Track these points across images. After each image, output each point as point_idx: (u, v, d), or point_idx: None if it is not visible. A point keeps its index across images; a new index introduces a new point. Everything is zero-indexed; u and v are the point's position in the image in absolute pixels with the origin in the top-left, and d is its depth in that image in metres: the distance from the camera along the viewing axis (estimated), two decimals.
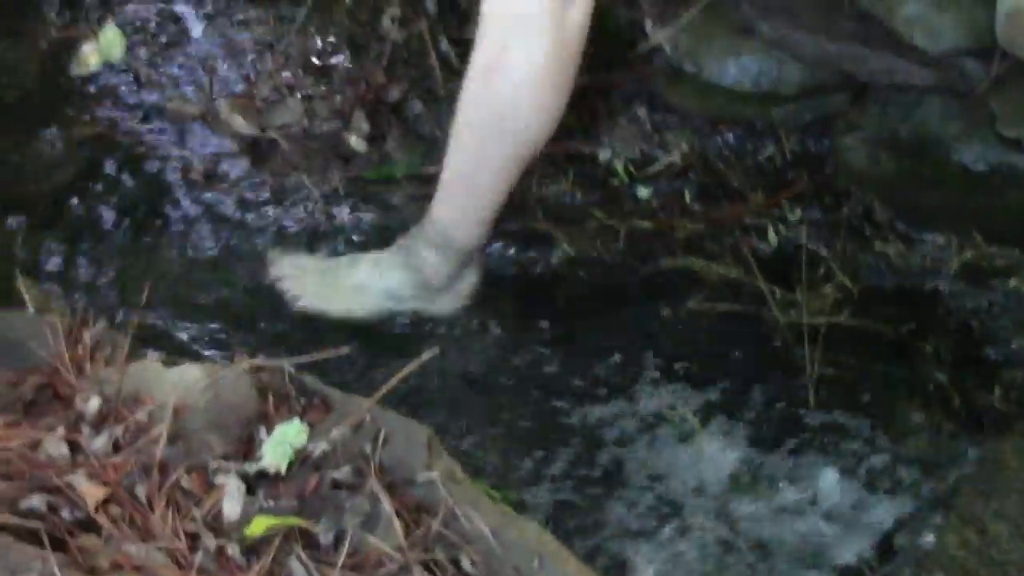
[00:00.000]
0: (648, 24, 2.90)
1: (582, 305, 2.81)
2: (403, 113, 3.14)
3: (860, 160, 2.84)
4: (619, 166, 2.98)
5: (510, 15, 2.53)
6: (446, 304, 2.78)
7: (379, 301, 2.76)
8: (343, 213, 3.01)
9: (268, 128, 3.11)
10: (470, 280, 2.80)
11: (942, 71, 2.64)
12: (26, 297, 2.69)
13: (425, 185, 2.95)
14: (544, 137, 2.65)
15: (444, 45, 3.20)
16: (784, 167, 2.96)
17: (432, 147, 3.05)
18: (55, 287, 2.83)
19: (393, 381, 2.01)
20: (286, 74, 3.23)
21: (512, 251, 2.90)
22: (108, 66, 3.23)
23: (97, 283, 2.87)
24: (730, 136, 3.00)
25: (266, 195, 3.03)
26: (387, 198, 3.02)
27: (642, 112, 3.03)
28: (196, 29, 3.33)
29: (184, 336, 2.76)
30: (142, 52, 3.27)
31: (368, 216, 3.00)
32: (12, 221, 2.96)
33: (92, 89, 3.22)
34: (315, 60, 3.26)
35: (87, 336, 2.12)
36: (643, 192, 2.96)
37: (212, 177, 3.06)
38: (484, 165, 2.69)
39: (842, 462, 2.53)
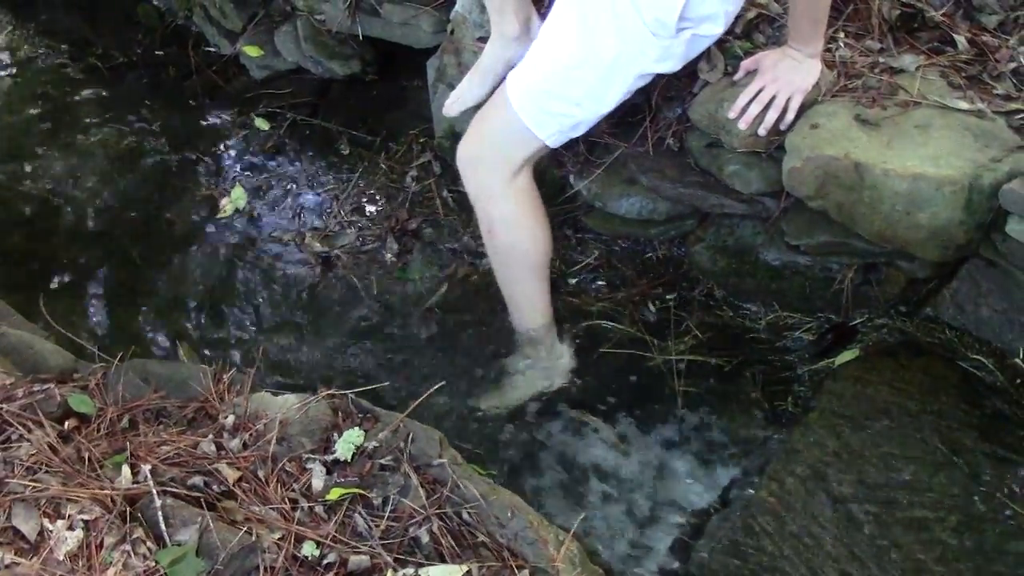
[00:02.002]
0: (572, 178, 2.90)
1: None
2: (420, 236, 3.14)
3: (704, 260, 2.84)
4: (556, 265, 2.95)
5: (482, 195, 2.57)
6: (557, 381, 2.72)
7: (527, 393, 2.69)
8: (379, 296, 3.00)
9: (334, 248, 3.12)
10: (565, 359, 2.75)
11: (751, 205, 2.66)
12: (182, 353, 2.73)
13: (432, 282, 3.00)
14: (543, 251, 2.64)
15: (444, 192, 3.23)
16: (658, 264, 2.95)
17: (439, 257, 3.08)
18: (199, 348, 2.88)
19: (415, 404, 2.05)
20: (345, 214, 3.23)
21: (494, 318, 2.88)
22: (237, 212, 3.26)
23: (229, 343, 2.90)
24: (624, 246, 3.00)
25: (333, 290, 3.03)
26: (407, 289, 3.01)
27: (569, 231, 3.03)
28: (290, 189, 3.35)
29: (285, 375, 2.78)
30: (257, 203, 3.30)
31: (394, 299, 2.99)
32: (177, 310, 3.00)
33: (228, 226, 3.25)
34: (364, 204, 3.27)
35: (226, 378, 2.14)
36: (572, 281, 2.96)
37: (297, 281, 3.07)
38: (515, 283, 2.71)
39: (698, 444, 2.54)
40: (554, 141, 2.50)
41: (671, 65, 2.43)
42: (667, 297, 2.88)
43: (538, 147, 2.51)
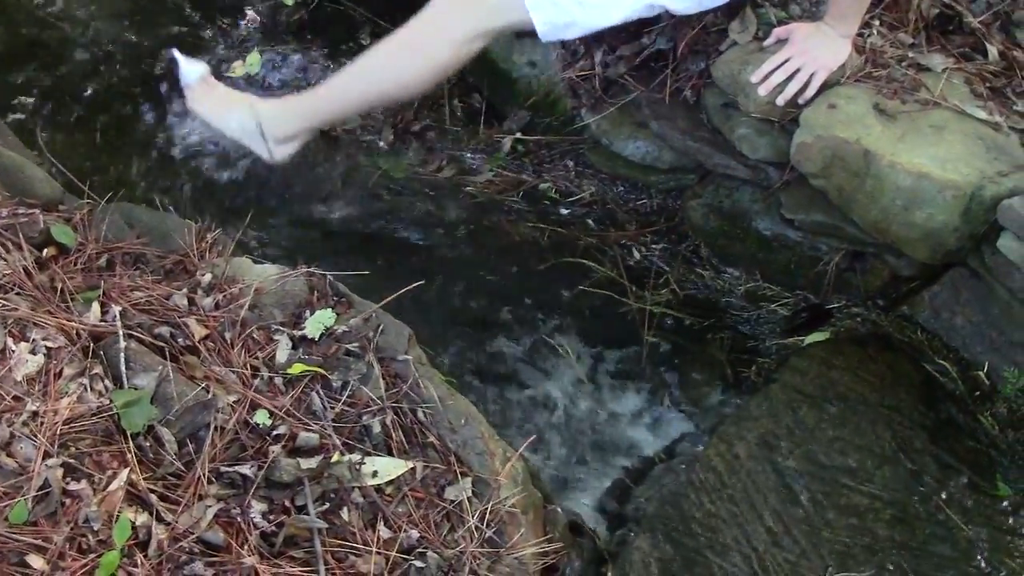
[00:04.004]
0: (583, 111, 2.89)
1: (515, 273, 2.80)
2: (422, 137, 3.11)
3: (697, 217, 2.82)
4: (551, 193, 2.96)
5: (432, 29, 2.42)
6: (275, 157, 2.55)
7: (238, 134, 2.53)
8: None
9: (336, 128, 3.10)
10: (292, 149, 2.57)
11: (754, 171, 2.65)
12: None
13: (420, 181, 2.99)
14: (400, 99, 2.68)
15: (456, 101, 3.19)
16: (650, 213, 2.94)
17: (437, 159, 3.06)
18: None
19: (391, 297, 2.04)
20: None
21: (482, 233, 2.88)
22: (248, 76, 3.22)
23: (216, 202, 2.89)
24: (621, 188, 2.98)
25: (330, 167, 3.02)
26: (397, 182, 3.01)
27: (571, 163, 3.02)
28: (302, 65, 3.31)
29: (267, 246, 2.77)
30: (270, 73, 3.26)
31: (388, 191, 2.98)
32: (170, 162, 2.97)
33: (235, 87, 3.19)
34: None
35: (209, 236, 2.14)
36: (563, 211, 2.94)
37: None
38: (351, 91, 2.53)
39: (656, 394, 2.55)
40: (542, 31, 2.39)
41: (684, 6, 2.44)
42: (653, 247, 2.88)
43: (520, 22, 2.39)
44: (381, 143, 3.08)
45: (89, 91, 3.13)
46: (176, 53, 2.58)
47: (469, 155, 3.05)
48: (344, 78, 2.51)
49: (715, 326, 2.71)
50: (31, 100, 3.05)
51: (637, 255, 2.86)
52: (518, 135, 3.05)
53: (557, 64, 2.91)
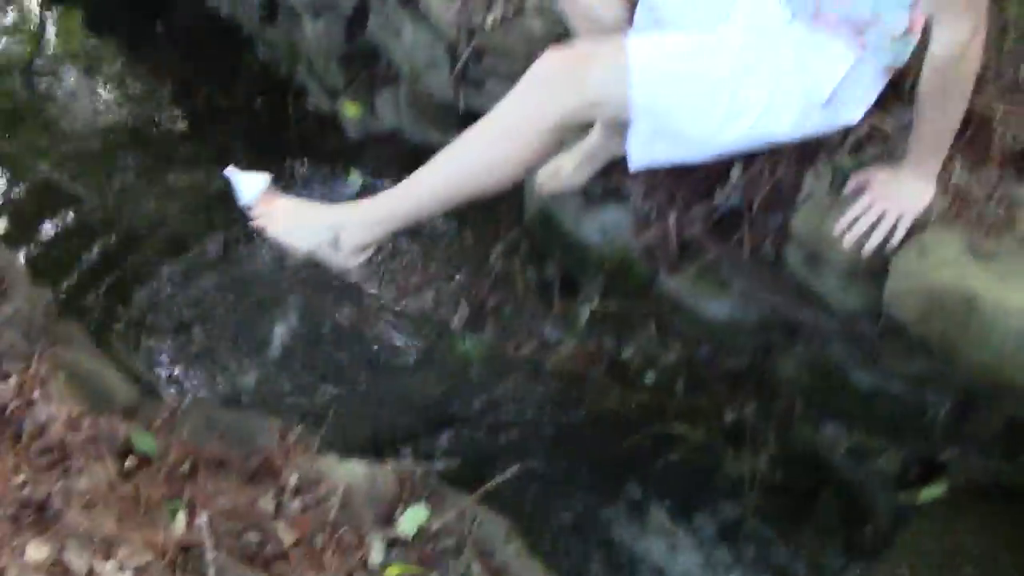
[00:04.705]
0: (661, 274, 2.83)
1: (605, 445, 2.76)
2: (498, 315, 3.10)
3: (790, 374, 2.76)
4: (635, 360, 2.93)
5: (521, 120, 2.24)
6: (349, 266, 2.35)
7: (310, 249, 2.31)
8: None
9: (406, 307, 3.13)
10: (367, 255, 2.37)
11: (846, 323, 2.57)
12: None
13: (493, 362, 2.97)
14: (481, 196, 2.30)
15: (528, 275, 3.18)
16: (740, 372, 2.86)
17: (515, 336, 3.03)
18: None
19: (484, 487, 1.97)
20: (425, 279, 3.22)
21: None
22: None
23: (296, 394, 2.88)
24: (707, 349, 2.90)
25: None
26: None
27: (652, 327, 2.97)
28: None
29: (351, 437, 2.67)
30: None
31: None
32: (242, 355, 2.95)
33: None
34: (445, 272, 3.26)
35: (291, 435, 2.10)
36: (649, 378, 2.90)
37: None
38: (438, 190, 2.32)
39: (766, 566, 2.47)
40: (636, 133, 2.23)
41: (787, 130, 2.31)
42: (745, 408, 2.79)
43: (614, 115, 2.25)
44: (456, 322, 3.06)
45: (159, 286, 3.20)
46: (232, 170, 2.34)
47: (547, 329, 3.02)
48: (426, 173, 2.31)
49: (819, 487, 2.61)
50: (104, 301, 3.10)
51: (730, 418, 2.78)
52: (595, 304, 3.00)
53: (630, 229, 2.88)
